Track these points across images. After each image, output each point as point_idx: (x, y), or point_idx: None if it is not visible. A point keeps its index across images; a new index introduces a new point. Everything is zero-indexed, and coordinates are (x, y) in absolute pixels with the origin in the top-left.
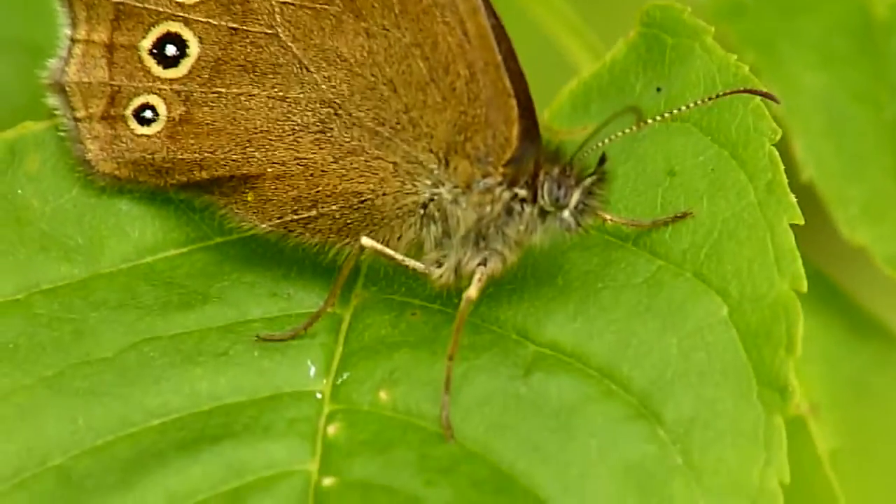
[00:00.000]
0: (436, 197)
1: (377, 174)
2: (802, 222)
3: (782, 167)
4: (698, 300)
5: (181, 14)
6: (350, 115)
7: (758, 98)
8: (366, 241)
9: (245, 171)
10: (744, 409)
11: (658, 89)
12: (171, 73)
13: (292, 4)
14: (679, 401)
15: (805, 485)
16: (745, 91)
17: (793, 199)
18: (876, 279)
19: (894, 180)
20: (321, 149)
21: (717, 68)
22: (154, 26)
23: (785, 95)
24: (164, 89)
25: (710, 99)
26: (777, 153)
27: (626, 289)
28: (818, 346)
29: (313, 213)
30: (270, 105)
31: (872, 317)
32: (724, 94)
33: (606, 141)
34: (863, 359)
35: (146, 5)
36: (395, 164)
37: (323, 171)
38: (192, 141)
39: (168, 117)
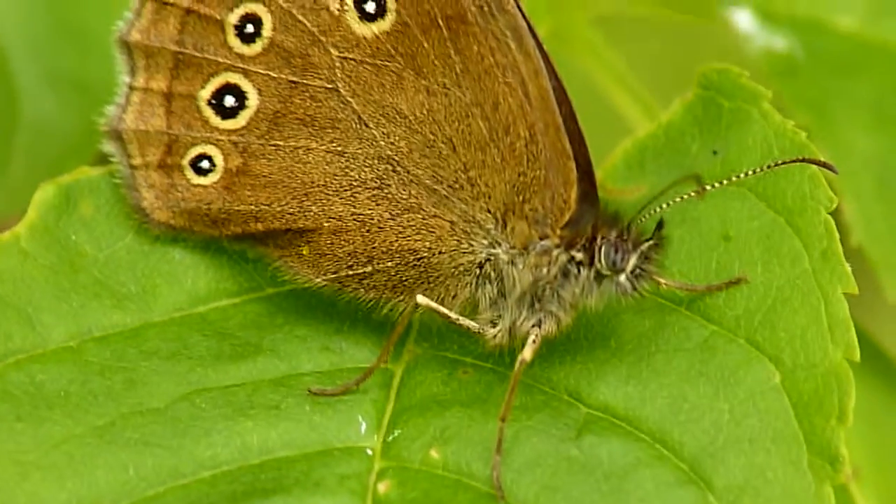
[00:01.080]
0: (492, 257)
1: (434, 232)
2: (857, 292)
3: (837, 236)
4: (751, 367)
5: (241, 65)
6: (408, 172)
7: (815, 168)
8: (421, 298)
9: (301, 225)
10: (794, 478)
11: (714, 152)
12: (230, 123)
13: (353, 60)
14: (730, 467)
15: None
16: (804, 160)
17: (847, 268)
18: None
19: None
20: (378, 205)
21: (775, 134)
22: (213, 76)
23: (836, 157)
24: (222, 140)
25: (768, 167)
26: (833, 222)
27: (678, 353)
28: (860, 407)
29: (368, 268)
30: (328, 159)
31: None
32: (783, 164)
33: (665, 206)
34: None
35: (206, 55)
36: (452, 222)
37: (380, 227)
38: (248, 192)
39: (225, 168)
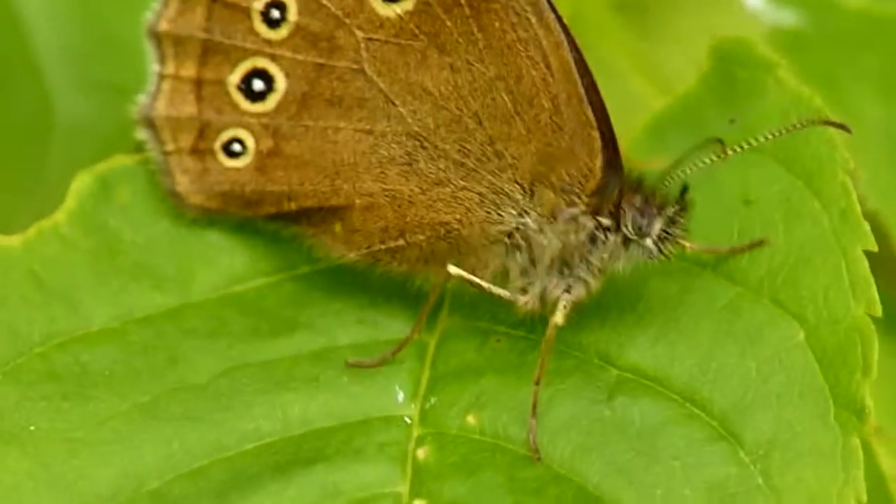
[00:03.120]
0: (521, 226)
1: (463, 204)
2: (876, 249)
3: (855, 196)
4: (776, 325)
5: (268, 50)
6: (436, 147)
7: (831, 129)
8: (453, 269)
9: (333, 203)
10: (822, 431)
11: (732, 121)
12: (259, 107)
13: (377, 40)
14: (759, 423)
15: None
16: (820, 122)
17: (866, 226)
18: None
19: None
20: (408, 180)
21: (791, 100)
22: (241, 62)
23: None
24: (253, 123)
25: (785, 130)
26: (850, 182)
27: (705, 314)
28: (882, 369)
29: (401, 242)
30: (357, 138)
31: None
32: (799, 126)
33: (687, 171)
34: None
35: (233, 42)
36: (480, 194)
37: (410, 201)
38: (280, 173)
39: (256, 150)
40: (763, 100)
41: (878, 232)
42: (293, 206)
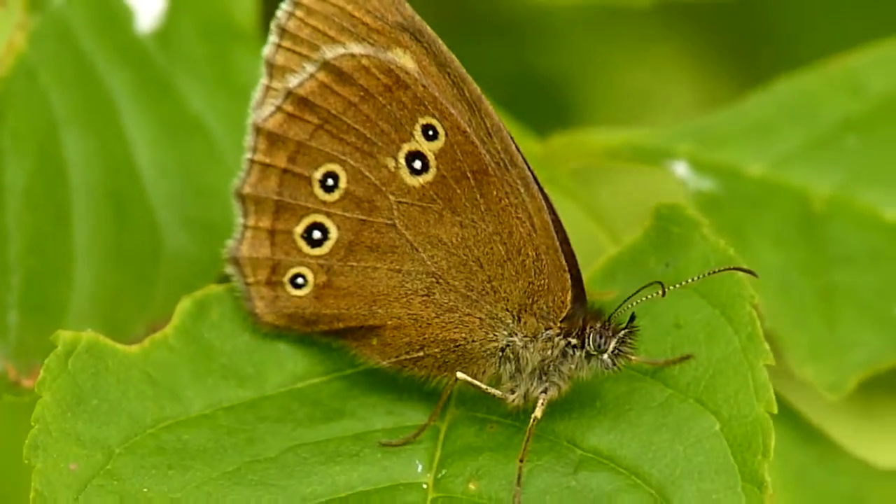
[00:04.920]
0: (511, 343)
1: (468, 326)
2: (774, 363)
3: (759, 323)
4: (698, 419)
5: (324, 209)
6: (448, 283)
7: (741, 273)
8: (460, 374)
9: (370, 323)
10: (732, 499)
11: (667, 265)
12: (317, 251)
13: (406, 203)
14: (685, 492)
15: None
16: (733, 269)
17: (767, 346)
18: (817, 398)
19: (828, 331)
20: (427, 307)
21: (711, 250)
22: (304, 217)
23: (751, 268)
24: (312, 263)
25: (707, 273)
26: (755, 312)
27: (646, 409)
28: (776, 447)
29: (420, 354)
30: (389, 275)
31: (814, 426)
32: (718, 270)
33: (634, 303)
34: (807, 456)
35: (298, 202)
36: (481, 319)
37: (428, 323)
38: (332, 300)
39: (314, 283)
40: (691, 250)
41: (774, 346)
42: (341, 325)
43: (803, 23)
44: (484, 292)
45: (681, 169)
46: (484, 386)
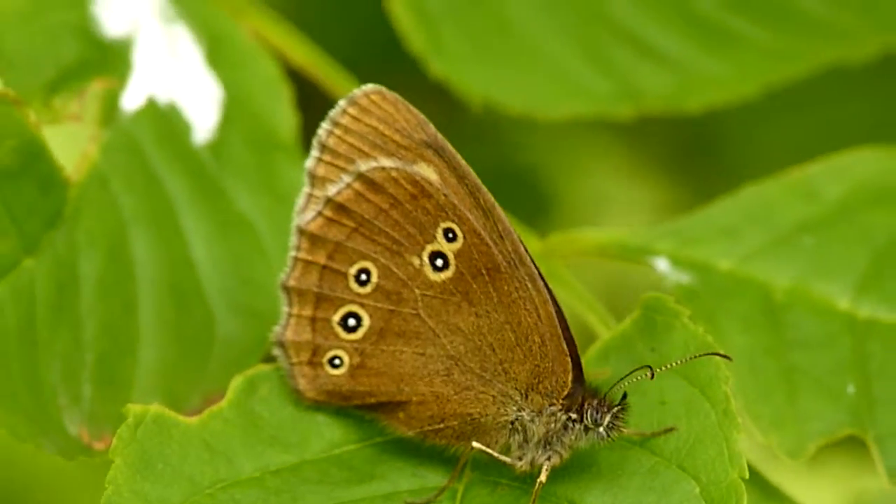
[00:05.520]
0: (519, 417)
1: (482, 402)
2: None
3: (733, 401)
4: (681, 483)
5: (358, 300)
6: (465, 365)
7: (717, 357)
8: (475, 444)
9: (398, 399)
10: None
11: (652, 349)
12: (352, 336)
13: (429, 295)
14: None
15: None
16: (710, 354)
17: (739, 420)
18: (780, 462)
19: (790, 405)
20: (447, 386)
21: (691, 337)
22: (341, 307)
23: (723, 351)
24: (347, 346)
25: (688, 358)
26: (729, 391)
27: (635, 474)
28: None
29: (441, 425)
30: (414, 358)
31: (776, 486)
32: (697, 355)
33: (626, 383)
34: None
35: (336, 294)
36: (493, 396)
37: (448, 400)
38: (365, 379)
39: (350, 364)
40: (673, 336)
41: (743, 417)
42: (373, 400)
43: (738, 138)
44: (496, 373)
45: (662, 264)
46: (496, 454)
